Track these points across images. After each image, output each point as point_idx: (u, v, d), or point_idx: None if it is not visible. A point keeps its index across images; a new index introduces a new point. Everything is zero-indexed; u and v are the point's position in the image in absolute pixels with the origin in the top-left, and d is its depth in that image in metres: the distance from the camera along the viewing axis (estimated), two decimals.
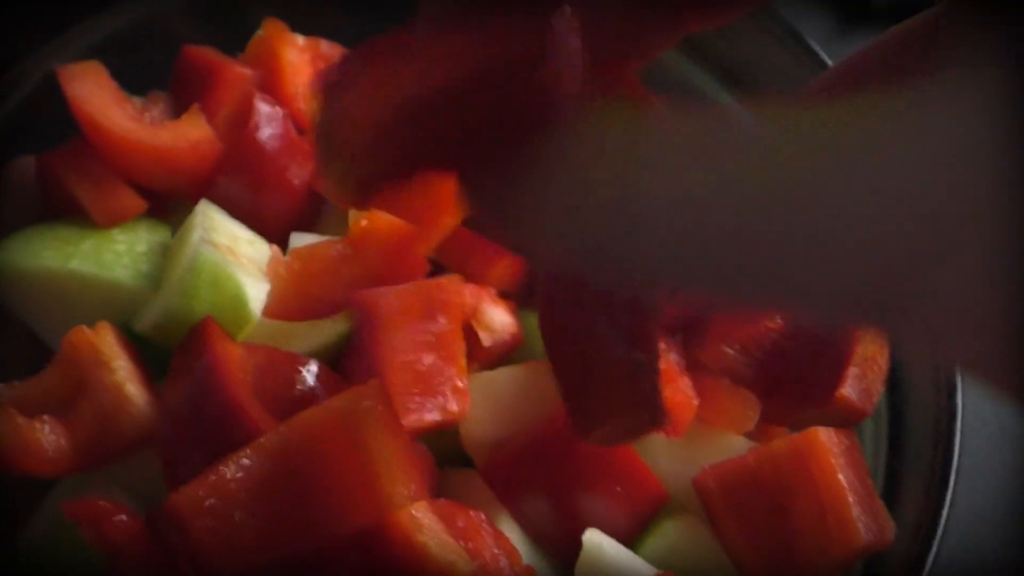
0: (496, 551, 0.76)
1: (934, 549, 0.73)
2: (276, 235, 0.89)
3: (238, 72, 0.89)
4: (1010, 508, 0.99)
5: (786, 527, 0.77)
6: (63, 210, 0.87)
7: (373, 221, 0.83)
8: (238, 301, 0.80)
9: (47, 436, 0.75)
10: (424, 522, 0.73)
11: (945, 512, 0.74)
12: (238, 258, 0.81)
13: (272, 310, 0.81)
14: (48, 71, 0.87)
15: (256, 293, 0.81)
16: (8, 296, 0.84)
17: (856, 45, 0.50)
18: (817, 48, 0.85)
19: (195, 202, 0.86)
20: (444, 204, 0.78)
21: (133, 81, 0.90)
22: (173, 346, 0.79)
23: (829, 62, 0.84)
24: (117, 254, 0.83)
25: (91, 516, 0.69)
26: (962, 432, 0.76)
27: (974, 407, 1.01)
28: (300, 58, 0.92)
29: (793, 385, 0.82)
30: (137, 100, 0.90)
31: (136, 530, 0.70)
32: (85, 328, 0.78)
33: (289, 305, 0.82)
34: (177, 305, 0.78)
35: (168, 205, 0.89)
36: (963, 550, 0.95)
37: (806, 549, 0.76)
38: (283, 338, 0.81)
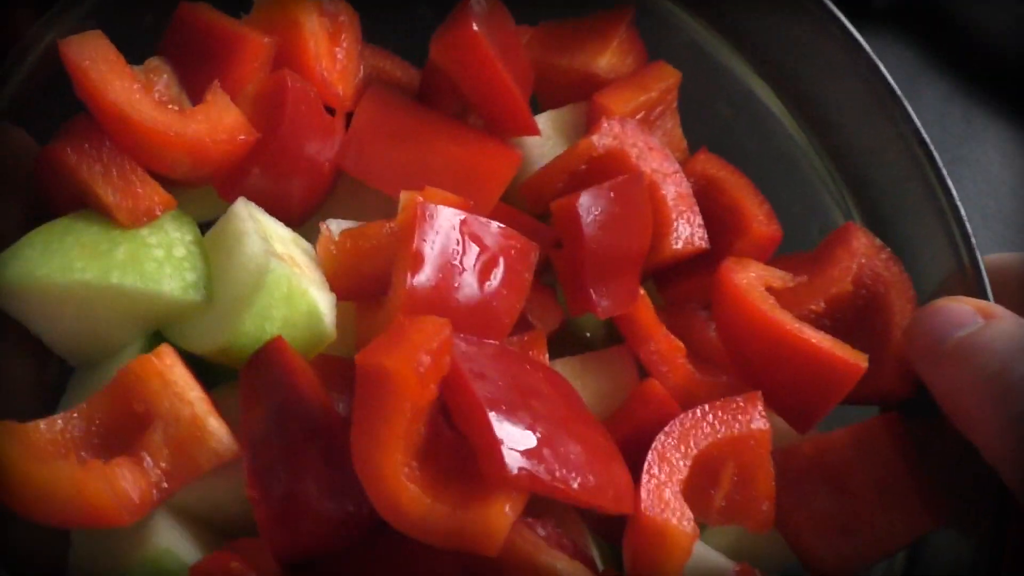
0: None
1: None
2: (299, 219, 0.83)
3: (258, 43, 0.79)
4: None
5: (847, 512, 0.81)
6: (65, 207, 0.76)
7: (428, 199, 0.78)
8: (313, 317, 0.74)
9: (129, 482, 0.68)
10: (528, 534, 0.72)
11: None
12: (303, 269, 0.74)
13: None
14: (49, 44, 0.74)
15: (326, 307, 0.75)
16: (23, 311, 0.74)
17: None
18: (855, 32, 0.85)
19: (218, 190, 0.79)
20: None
21: (120, 46, 0.78)
22: (232, 364, 0.73)
23: (864, 44, 0.84)
24: (158, 262, 0.73)
25: None
26: None
27: None
28: (320, 23, 0.83)
29: None
30: (137, 70, 0.78)
31: None
32: (151, 357, 0.70)
33: (343, 284, 0.77)
34: (250, 328, 0.72)
35: (171, 189, 0.80)
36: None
37: (867, 533, 0.80)
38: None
